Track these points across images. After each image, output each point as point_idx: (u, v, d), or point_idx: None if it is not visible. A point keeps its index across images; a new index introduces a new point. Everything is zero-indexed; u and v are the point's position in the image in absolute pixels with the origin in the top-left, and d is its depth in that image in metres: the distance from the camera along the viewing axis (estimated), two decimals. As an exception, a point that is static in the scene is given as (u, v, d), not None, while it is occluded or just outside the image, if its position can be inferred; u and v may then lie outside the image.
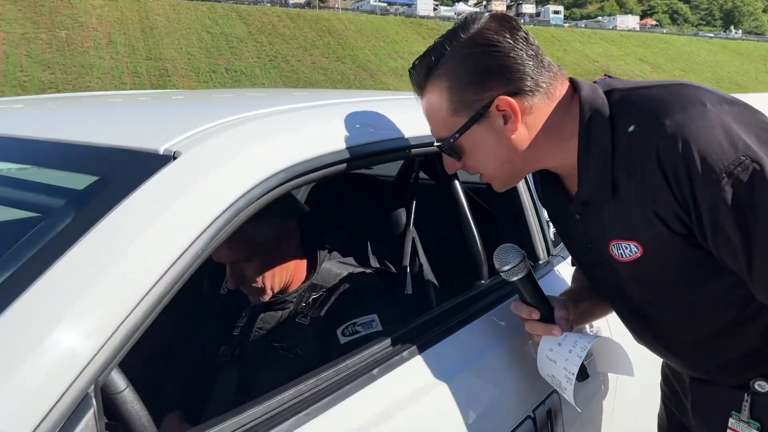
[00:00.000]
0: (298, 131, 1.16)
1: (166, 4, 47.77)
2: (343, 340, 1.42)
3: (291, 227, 1.52)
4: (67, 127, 1.27)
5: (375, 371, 1.11)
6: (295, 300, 1.53)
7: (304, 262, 1.57)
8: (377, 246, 1.76)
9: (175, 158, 0.97)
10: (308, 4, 63.61)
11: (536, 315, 1.21)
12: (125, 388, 0.82)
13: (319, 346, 1.43)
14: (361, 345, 1.20)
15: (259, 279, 1.47)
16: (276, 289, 1.51)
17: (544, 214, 1.71)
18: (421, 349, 1.20)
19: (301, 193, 2.19)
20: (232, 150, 1.03)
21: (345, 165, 1.19)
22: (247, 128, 1.11)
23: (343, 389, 1.04)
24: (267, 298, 1.50)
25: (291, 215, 1.54)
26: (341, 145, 1.19)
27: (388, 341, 1.20)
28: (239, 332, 1.61)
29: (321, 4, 64.92)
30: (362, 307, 1.46)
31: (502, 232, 1.73)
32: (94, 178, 0.98)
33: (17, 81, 33.16)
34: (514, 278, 1.19)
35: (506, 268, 1.18)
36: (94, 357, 0.76)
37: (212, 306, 1.78)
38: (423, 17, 64.62)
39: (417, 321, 1.30)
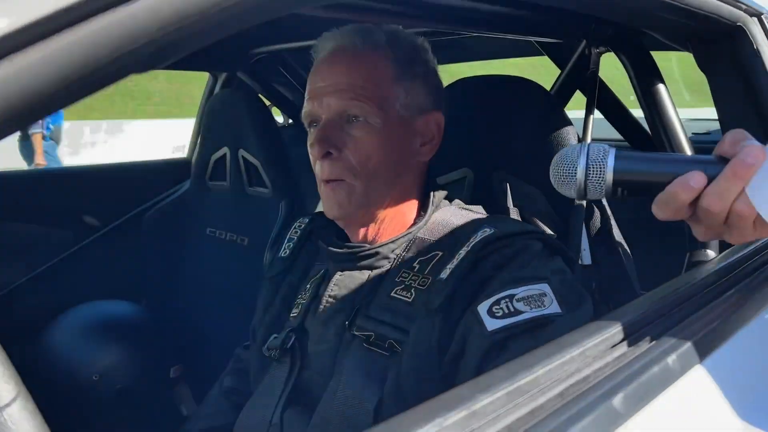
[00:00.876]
0: None
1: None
2: (492, 324, 0.90)
3: (435, 124, 1.11)
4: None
5: (615, 400, 0.55)
6: (392, 257, 1.06)
7: (416, 199, 1.12)
8: (523, 190, 1.19)
9: None
10: None
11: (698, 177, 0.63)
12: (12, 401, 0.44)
13: (435, 338, 0.94)
14: (531, 337, 0.83)
15: (360, 168, 1.04)
16: (373, 207, 1.07)
17: None
18: (702, 356, 0.65)
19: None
20: None
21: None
22: None
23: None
24: (350, 211, 1.06)
25: (442, 105, 1.13)
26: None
27: (611, 334, 0.63)
28: (299, 312, 1.13)
29: None
30: (521, 272, 0.94)
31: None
32: None
33: (126, 89, 34.81)
34: (606, 175, 0.67)
35: (579, 171, 0.68)
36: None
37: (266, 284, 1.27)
38: None
39: (650, 303, 0.76)
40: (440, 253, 1.03)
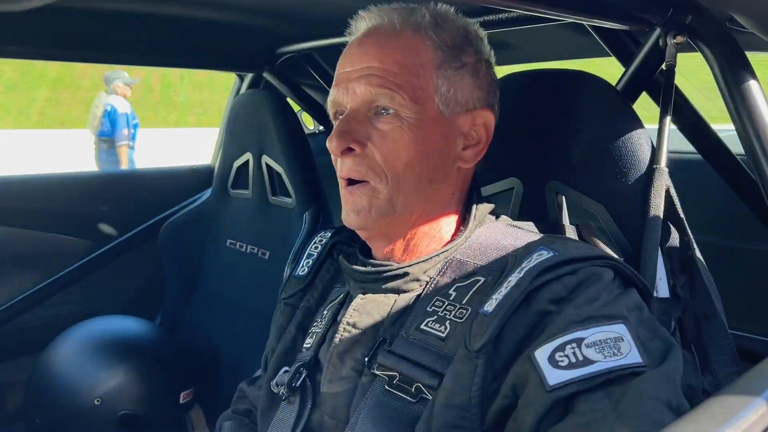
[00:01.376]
0: None
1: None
2: (555, 376, 0.69)
3: (483, 124, 0.94)
4: None
5: None
6: (424, 280, 0.90)
7: (455, 213, 0.95)
8: (583, 204, 1.05)
9: None
10: None
11: None
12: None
13: (476, 387, 0.75)
14: (605, 395, 0.66)
15: (387, 168, 0.88)
16: (400, 217, 0.90)
17: None
18: None
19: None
20: None
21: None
22: None
23: None
24: (370, 220, 0.90)
25: (494, 103, 0.96)
26: None
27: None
28: (313, 342, 0.98)
29: None
30: (590, 308, 0.74)
31: None
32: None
33: (170, 100, 35.65)
34: None
35: None
36: None
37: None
38: None
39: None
40: (482, 279, 0.85)
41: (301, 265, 1.10)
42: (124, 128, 6.55)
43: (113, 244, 2.17)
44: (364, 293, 0.93)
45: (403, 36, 0.90)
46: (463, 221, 0.94)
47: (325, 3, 1.57)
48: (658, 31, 1.10)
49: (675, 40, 1.06)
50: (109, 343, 1.72)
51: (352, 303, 0.93)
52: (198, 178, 2.38)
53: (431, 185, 0.90)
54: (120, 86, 6.65)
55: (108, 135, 6.61)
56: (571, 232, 1.05)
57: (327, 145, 0.90)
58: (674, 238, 0.96)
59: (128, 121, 6.61)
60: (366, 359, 0.87)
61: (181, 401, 1.72)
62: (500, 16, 1.43)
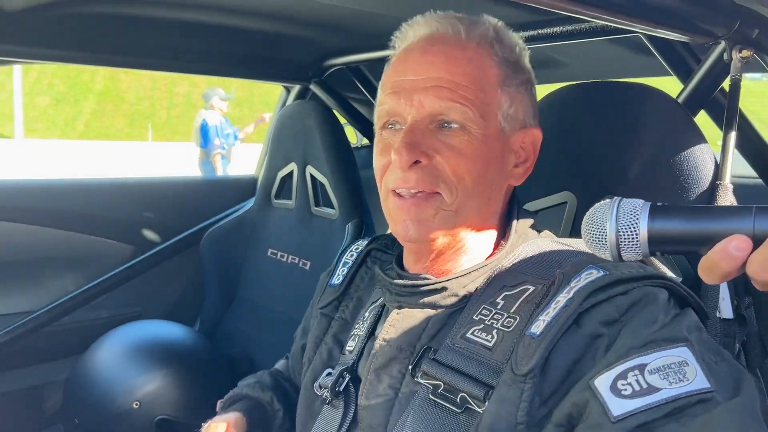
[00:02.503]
0: None
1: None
2: (619, 406, 0.65)
3: (531, 143, 0.92)
4: None
5: None
6: (463, 294, 0.87)
7: (497, 228, 0.93)
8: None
9: None
10: None
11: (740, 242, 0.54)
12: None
13: (523, 413, 0.72)
14: (678, 425, 0.62)
15: (456, 182, 0.85)
16: (458, 230, 0.88)
17: None
18: None
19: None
20: None
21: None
22: None
23: None
24: (433, 232, 0.86)
25: (538, 122, 0.94)
26: None
27: None
28: (355, 346, 0.97)
29: None
30: (649, 331, 0.70)
31: None
32: None
33: (211, 116, 36.38)
34: (640, 237, 0.58)
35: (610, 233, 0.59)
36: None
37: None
38: None
39: None
40: (531, 288, 0.82)
41: (336, 274, 1.09)
42: (214, 139, 7.32)
43: (156, 250, 2.20)
44: (399, 307, 0.90)
45: (470, 48, 0.87)
46: (503, 236, 0.92)
47: (373, 16, 1.58)
48: (722, 44, 1.07)
49: (741, 54, 1.03)
50: (149, 347, 1.72)
51: (389, 318, 0.91)
52: (241, 188, 2.40)
53: (488, 202, 0.89)
54: (216, 102, 7.43)
55: (203, 146, 7.43)
56: None
57: (377, 157, 0.87)
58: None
59: (218, 132, 7.34)
60: (410, 367, 0.85)
61: (218, 409, 1.71)
62: (553, 30, 1.41)
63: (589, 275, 0.76)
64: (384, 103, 0.89)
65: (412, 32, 0.91)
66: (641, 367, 0.66)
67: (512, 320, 0.80)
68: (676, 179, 0.98)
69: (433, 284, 0.87)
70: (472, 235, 0.89)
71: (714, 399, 0.63)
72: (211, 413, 1.74)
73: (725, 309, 0.88)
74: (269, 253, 1.99)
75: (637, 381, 0.65)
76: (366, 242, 1.09)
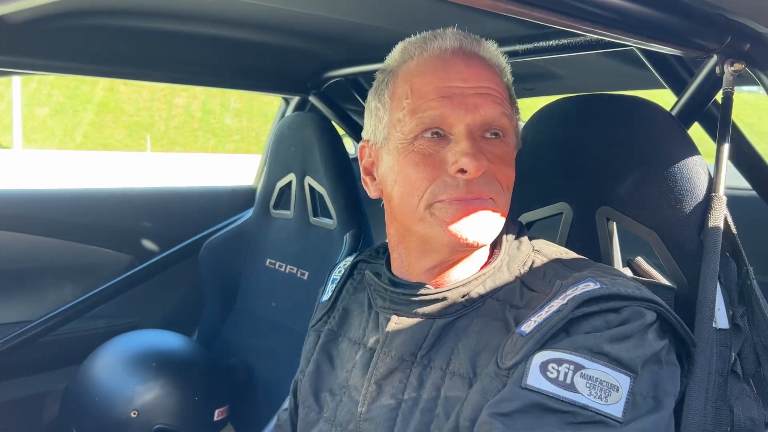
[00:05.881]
0: None
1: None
2: (535, 380, 0.72)
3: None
4: None
5: None
6: (460, 302, 0.87)
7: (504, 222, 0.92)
8: (635, 231, 1.04)
9: None
10: None
11: None
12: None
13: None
14: (557, 425, 0.67)
15: (506, 189, 0.88)
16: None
17: None
18: None
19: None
20: None
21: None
22: None
23: None
24: (490, 236, 0.87)
25: None
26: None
27: None
28: (353, 368, 0.95)
29: None
30: (610, 345, 0.73)
31: None
32: None
33: (209, 127, 36.44)
34: None
35: None
36: None
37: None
38: None
39: None
40: (528, 294, 0.85)
41: (326, 291, 1.10)
42: None
43: (154, 260, 2.20)
44: (397, 315, 0.90)
45: (499, 67, 0.91)
46: (496, 244, 0.92)
47: (371, 29, 1.60)
48: (714, 58, 1.09)
49: (733, 68, 1.05)
50: (148, 356, 1.73)
51: (386, 328, 0.90)
52: (240, 198, 2.41)
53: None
54: None
55: None
56: (619, 259, 1.03)
57: (463, 163, 0.81)
58: (732, 268, 0.94)
59: None
60: (411, 378, 0.86)
61: (215, 418, 1.72)
62: (549, 43, 1.43)
63: (586, 286, 0.77)
64: (429, 109, 0.84)
65: (439, 43, 0.89)
66: (578, 367, 0.70)
67: (510, 330, 0.81)
68: (669, 190, 0.99)
69: (432, 294, 0.87)
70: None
71: (614, 427, 0.67)
72: (209, 423, 1.75)
73: (721, 319, 0.89)
74: (268, 263, 2.00)
75: (566, 375, 0.69)
76: (353, 256, 1.10)
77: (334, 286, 1.08)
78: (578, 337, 0.73)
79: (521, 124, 0.96)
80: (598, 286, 0.76)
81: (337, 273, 1.11)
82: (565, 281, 0.81)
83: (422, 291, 0.89)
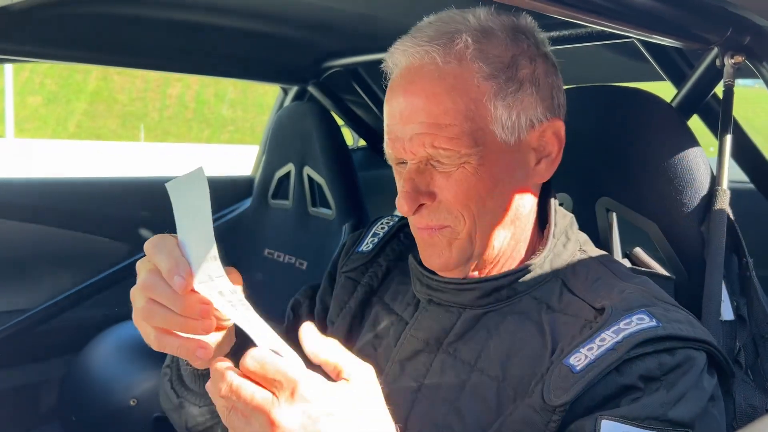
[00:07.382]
0: None
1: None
2: None
3: (553, 134, 0.87)
4: None
5: None
6: (494, 296, 0.86)
7: (533, 227, 0.91)
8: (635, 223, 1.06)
9: None
10: None
11: None
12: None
13: None
14: None
15: (463, 211, 0.84)
16: (481, 250, 0.86)
17: None
18: None
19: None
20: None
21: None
22: None
23: None
24: (452, 261, 0.87)
25: (560, 105, 0.89)
26: None
27: None
28: (383, 337, 0.95)
29: None
30: (672, 409, 0.71)
31: None
32: None
33: (203, 117, 36.38)
34: None
35: None
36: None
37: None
38: None
39: None
40: (573, 306, 0.83)
41: (365, 242, 1.06)
42: None
43: (152, 250, 2.20)
44: (430, 301, 0.90)
45: (449, 75, 0.80)
46: (540, 235, 0.91)
47: (370, 18, 1.59)
48: (715, 50, 1.10)
49: (733, 60, 1.05)
50: (146, 345, 1.73)
51: (418, 311, 0.90)
52: (237, 188, 2.41)
53: (510, 211, 0.86)
54: None
55: None
56: (618, 250, 1.04)
57: (398, 209, 0.84)
58: (733, 260, 0.95)
59: None
60: (432, 364, 0.86)
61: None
62: (549, 34, 1.43)
63: (641, 321, 0.74)
64: (386, 147, 0.87)
65: (392, 62, 0.86)
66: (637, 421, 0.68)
67: (544, 336, 0.80)
68: (670, 181, 1.00)
69: (467, 284, 0.87)
70: (507, 244, 0.88)
71: None
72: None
73: (725, 311, 0.90)
74: (266, 253, 2.00)
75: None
76: (399, 218, 1.07)
77: (377, 239, 1.05)
78: (642, 403, 0.71)
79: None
80: (654, 323, 0.74)
81: (380, 228, 1.07)
82: (614, 303, 0.78)
83: (458, 280, 0.88)
